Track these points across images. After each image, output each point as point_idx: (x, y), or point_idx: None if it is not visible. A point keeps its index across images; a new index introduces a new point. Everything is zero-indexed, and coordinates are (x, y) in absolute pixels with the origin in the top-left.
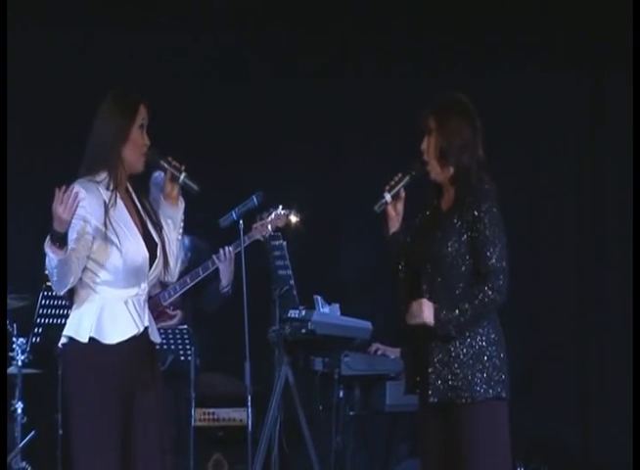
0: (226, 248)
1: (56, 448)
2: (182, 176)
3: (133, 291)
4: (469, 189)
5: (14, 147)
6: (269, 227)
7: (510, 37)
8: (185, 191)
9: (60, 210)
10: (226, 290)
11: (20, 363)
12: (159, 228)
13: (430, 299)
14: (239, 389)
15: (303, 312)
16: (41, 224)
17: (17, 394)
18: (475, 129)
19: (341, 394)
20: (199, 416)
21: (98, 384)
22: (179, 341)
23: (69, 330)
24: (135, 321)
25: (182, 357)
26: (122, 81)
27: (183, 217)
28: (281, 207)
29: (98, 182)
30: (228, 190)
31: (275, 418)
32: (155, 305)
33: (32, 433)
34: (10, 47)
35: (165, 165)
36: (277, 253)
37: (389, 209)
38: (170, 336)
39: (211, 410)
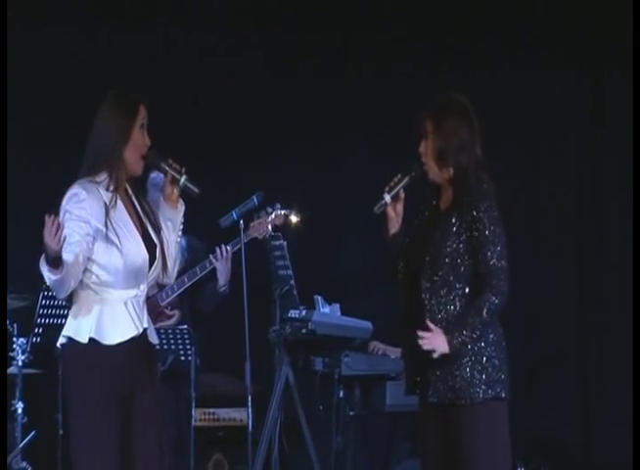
0: (223, 246)
1: (56, 448)
2: (182, 179)
3: (133, 292)
4: (467, 189)
5: (14, 147)
6: (269, 227)
7: (510, 37)
8: (185, 193)
9: (48, 239)
10: (223, 289)
11: (20, 363)
12: (157, 229)
13: (429, 299)
14: (239, 389)
15: (304, 312)
16: (41, 224)
17: (17, 394)
18: (472, 129)
19: (341, 394)
20: (199, 416)
21: (97, 384)
22: (179, 341)
23: (69, 330)
24: (135, 322)
25: (182, 357)
26: (122, 81)
27: (183, 220)
28: (279, 205)
29: (98, 183)
30: (228, 190)
31: (275, 418)
32: (152, 306)
33: (33, 433)
34: (10, 47)
35: (166, 168)
36: (277, 253)
37: (389, 210)
38: (171, 336)
39: (212, 410)
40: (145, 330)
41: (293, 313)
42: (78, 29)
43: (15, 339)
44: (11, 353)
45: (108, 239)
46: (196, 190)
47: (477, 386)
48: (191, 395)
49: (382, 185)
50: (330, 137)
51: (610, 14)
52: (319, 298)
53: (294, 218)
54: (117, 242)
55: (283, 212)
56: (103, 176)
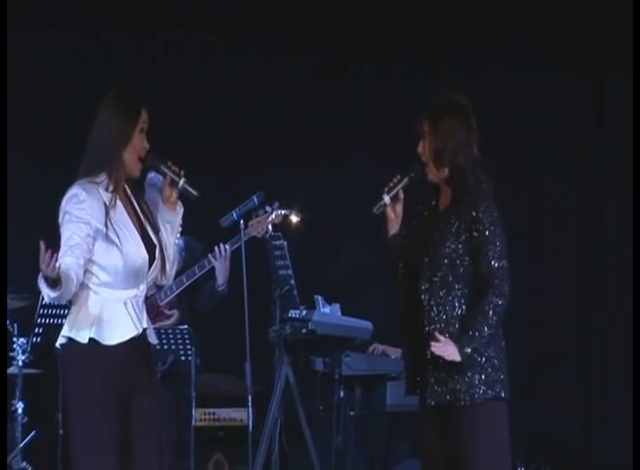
0: (221, 245)
1: (56, 448)
2: (181, 182)
3: (132, 292)
4: (465, 189)
5: (14, 147)
6: (268, 225)
7: (510, 37)
8: (183, 195)
9: (43, 268)
10: (222, 288)
11: (20, 363)
12: (156, 230)
13: (428, 300)
14: (239, 389)
15: (304, 312)
16: (41, 224)
17: (17, 394)
18: (469, 129)
19: (341, 394)
20: (199, 416)
21: (97, 384)
22: (180, 341)
23: (69, 330)
24: (134, 323)
25: (182, 357)
26: (122, 81)
27: (181, 222)
28: (277, 204)
29: (98, 183)
30: (228, 190)
31: (275, 418)
32: (151, 306)
33: (33, 433)
34: (10, 47)
35: (165, 170)
36: (277, 253)
37: (388, 210)
38: (171, 336)
39: (212, 410)
40: (144, 330)
41: (293, 313)
42: (78, 29)
43: (15, 339)
44: (11, 353)
45: (108, 239)
46: (194, 193)
47: (476, 386)
48: (191, 395)
49: (382, 185)
50: (330, 137)
51: (610, 14)
52: (319, 298)
53: (294, 218)
54: (118, 242)
55: (282, 212)
56: (102, 177)
